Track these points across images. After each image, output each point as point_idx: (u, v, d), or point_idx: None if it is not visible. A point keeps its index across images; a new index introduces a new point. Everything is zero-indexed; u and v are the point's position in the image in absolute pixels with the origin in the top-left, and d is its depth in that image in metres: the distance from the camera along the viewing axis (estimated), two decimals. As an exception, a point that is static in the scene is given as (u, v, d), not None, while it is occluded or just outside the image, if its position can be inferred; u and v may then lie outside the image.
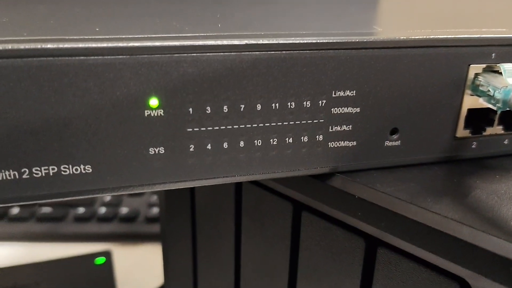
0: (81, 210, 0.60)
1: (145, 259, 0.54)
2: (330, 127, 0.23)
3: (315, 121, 0.22)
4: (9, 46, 0.18)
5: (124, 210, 0.60)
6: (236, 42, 0.20)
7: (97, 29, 0.22)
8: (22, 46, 0.18)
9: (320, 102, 0.22)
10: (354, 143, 0.23)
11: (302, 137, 0.23)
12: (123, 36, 0.20)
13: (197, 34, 0.21)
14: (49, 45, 0.18)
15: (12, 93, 0.18)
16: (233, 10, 0.30)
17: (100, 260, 0.52)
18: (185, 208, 0.36)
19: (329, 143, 0.23)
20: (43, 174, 0.20)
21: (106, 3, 0.31)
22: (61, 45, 0.18)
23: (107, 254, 0.53)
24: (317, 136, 0.23)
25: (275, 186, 0.28)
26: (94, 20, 0.25)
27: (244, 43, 0.20)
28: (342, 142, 0.23)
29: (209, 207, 0.34)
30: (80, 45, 0.19)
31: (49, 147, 0.19)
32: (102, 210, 0.60)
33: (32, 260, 0.53)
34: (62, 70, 0.19)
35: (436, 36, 0.23)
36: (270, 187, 0.28)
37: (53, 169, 0.20)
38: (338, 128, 0.23)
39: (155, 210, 0.60)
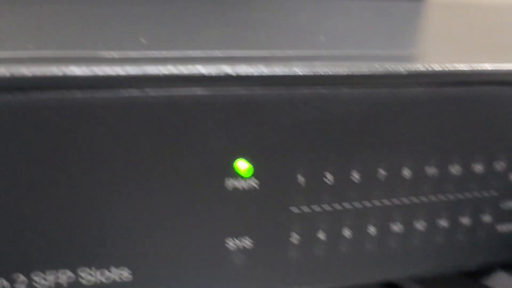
0: None
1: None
2: (504, 201, 0.14)
3: (484, 193, 0.14)
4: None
5: None
6: (390, 70, 0.12)
7: (144, 41, 0.14)
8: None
9: (497, 164, 0.14)
10: (533, 225, 0.15)
11: (462, 218, 0.14)
12: (191, 54, 0.12)
13: (319, 54, 0.12)
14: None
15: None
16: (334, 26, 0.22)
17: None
18: None
19: (499, 226, 0.15)
20: (51, 284, 0.11)
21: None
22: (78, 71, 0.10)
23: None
24: (484, 216, 0.14)
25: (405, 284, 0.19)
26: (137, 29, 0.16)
27: (404, 71, 0.12)
28: (517, 223, 0.15)
29: None
30: (115, 69, 0.10)
31: (61, 239, 0.11)
32: None
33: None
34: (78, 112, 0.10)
35: None
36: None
37: (65, 274, 0.11)
38: (514, 204, 0.15)
39: None
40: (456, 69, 0.12)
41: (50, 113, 0.10)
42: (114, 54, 0.11)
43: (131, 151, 0.11)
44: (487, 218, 0.15)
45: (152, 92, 0.11)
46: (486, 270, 0.16)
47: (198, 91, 0.11)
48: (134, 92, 0.10)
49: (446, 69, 0.12)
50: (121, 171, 0.11)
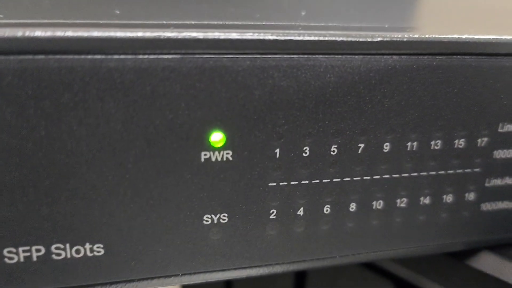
0: None
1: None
2: (488, 179, 0.14)
3: (467, 170, 0.14)
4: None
5: None
6: (363, 37, 0.12)
7: (118, 12, 0.13)
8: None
9: (480, 140, 0.14)
10: (518, 204, 0.15)
11: (445, 196, 0.14)
12: (165, 22, 0.11)
13: (293, 23, 0.12)
14: (38, 33, 0.10)
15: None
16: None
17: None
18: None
19: (483, 205, 0.14)
20: (21, 260, 0.11)
21: None
22: (58, 34, 0.10)
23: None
24: (467, 194, 0.14)
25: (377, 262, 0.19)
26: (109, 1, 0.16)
27: (378, 39, 0.12)
28: (501, 202, 0.15)
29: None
30: (93, 33, 0.10)
31: (32, 215, 0.11)
32: None
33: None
34: (59, 79, 0.10)
35: None
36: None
37: (38, 250, 0.11)
38: (499, 182, 0.14)
39: None
40: (436, 38, 0.12)
41: (17, 77, 0.10)
42: (87, 21, 0.11)
43: (103, 121, 0.11)
44: (471, 197, 0.14)
45: (119, 57, 0.10)
46: (470, 251, 0.16)
47: (168, 56, 0.11)
48: (100, 56, 0.10)
49: (422, 38, 0.12)
50: (93, 143, 0.11)
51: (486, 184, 0.14)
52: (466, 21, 0.18)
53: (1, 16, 0.11)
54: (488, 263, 0.15)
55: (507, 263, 0.15)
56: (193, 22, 0.12)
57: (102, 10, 0.14)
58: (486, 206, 0.15)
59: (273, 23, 0.13)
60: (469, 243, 0.15)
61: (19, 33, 0.10)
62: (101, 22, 0.11)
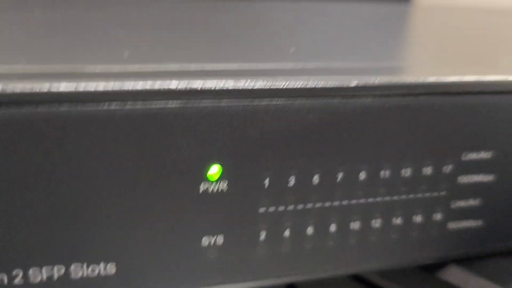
0: None
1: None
2: (453, 201, 0.16)
3: (434, 194, 0.16)
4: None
5: None
6: (343, 83, 0.13)
7: (125, 57, 0.15)
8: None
9: (446, 167, 0.15)
10: (481, 222, 0.17)
11: (415, 216, 0.16)
12: (169, 69, 0.13)
13: (280, 67, 0.14)
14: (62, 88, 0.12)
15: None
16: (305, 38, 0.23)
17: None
18: None
19: (449, 224, 0.16)
20: (44, 279, 0.13)
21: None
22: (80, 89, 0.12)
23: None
24: (435, 215, 0.16)
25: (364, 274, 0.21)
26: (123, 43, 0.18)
27: (354, 85, 0.14)
28: (466, 221, 0.17)
29: None
30: (101, 86, 0.12)
31: (54, 237, 0.12)
32: None
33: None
34: (76, 124, 0.12)
35: None
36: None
37: (59, 269, 0.13)
38: (463, 204, 0.16)
39: None
40: (403, 82, 0.14)
41: (41, 125, 0.12)
42: (97, 69, 0.13)
43: (115, 159, 0.12)
44: (438, 217, 0.16)
45: (131, 105, 0.12)
46: (440, 264, 0.17)
47: (172, 104, 0.12)
48: (115, 106, 0.12)
49: (393, 82, 0.14)
50: (107, 178, 0.12)
51: (452, 206, 0.16)
52: (443, 59, 0.20)
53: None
54: (455, 275, 0.17)
55: (471, 276, 0.17)
56: (192, 69, 0.13)
57: (112, 53, 0.15)
58: (452, 225, 0.16)
59: (263, 66, 0.15)
60: (438, 257, 0.17)
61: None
62: (114, 71, 0.13)
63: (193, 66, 0.14)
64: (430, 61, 0.19)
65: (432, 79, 0.14)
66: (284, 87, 0.13)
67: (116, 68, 0.13)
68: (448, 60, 0.19)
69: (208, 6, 0.30)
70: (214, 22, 0.25)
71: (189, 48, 0.17)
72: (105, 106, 0.12)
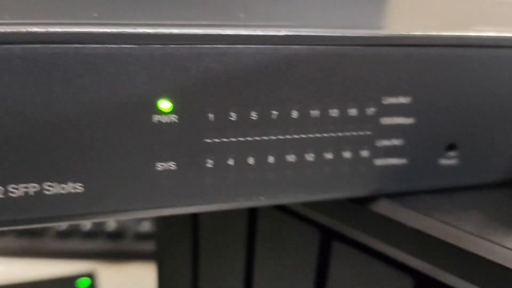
0: (63, 225, 0.55)
1: (134, 280, 0.50)
2: (377, 140, 0.19)
3: (360, 133, 0.18)
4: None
5: (111, 225, 0.55)
6: (272, 32, 0.16)
7: (95, 15, 0.18)
8: (1, 29, 0.14)
9: (368, 110, 0.18)
10: (405, 160, 0.19)
11: (344, 153, 0.18)
12: (130, 22, 0.15)
13: (223, 23, 0.16)
14: (35, 29, 0.14)
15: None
16: (256, 4, 0.26)
17: (84, 282, 0.47)
18: (186, 225, 0.31)
19: (375, 160, 0.19)
20: (21, 194, 0.15)
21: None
22: (50, 29, 0.14)
23: (91, 276, 0.48)
24: (362, 152, 0.19)
25: (299, 209, 0.24)
26: (94, 4, 0.20)
27: (283, 34, 0.16)
28: (391, 159, 0.19)
29: (215, 228, 0.29)
30: (75, 29, 0.14)
31: (29, 159, 0.15)
32: (87, 225, 0.54)
33: (8, 279, 0.48)
34: (51, 61, 0.14)
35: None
36: (292, 209, 0.24)
37: (34, 187, 0.15)
38: (387, 143, 0.19)
39: (146, 226, 0.55)
40: (325, 34, 0.17)
41: (18, 61, 0.14)
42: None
43: (82, 92, 0.15)
44: (365, 154, 0.19)
45: (93, 47, 0.15)
46: (370, 198, 0.20)
47: (128, 46, 0.15)
48: (81, 46, 0.15)
49: (316, 34, 0.16)
50: (74, 110, 0.15)
51: (377, 144, 0.19)
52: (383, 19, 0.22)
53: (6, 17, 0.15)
54: (384, 207, 0.20)
55: (398, 207, 0.19)
56: (150, 22, 0.16)
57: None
58: (378, 162, 0.19)
59: (212, 22, 0.17)
60: (367, 191, 0.19)
61: (21, 29, 0.14)
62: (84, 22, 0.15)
63: (151, 21, 0.16)
64: (364, 21, 0.21)
65: (352, 32, 0.17)
66: (222, 33, 0.16)
67: (86, 21, 0.16)
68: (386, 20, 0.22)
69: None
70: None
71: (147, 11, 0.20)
72: (73, 47, 0.14)
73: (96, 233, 0.54)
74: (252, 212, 0.26)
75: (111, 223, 0.55)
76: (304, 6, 0.24)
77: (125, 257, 0.52)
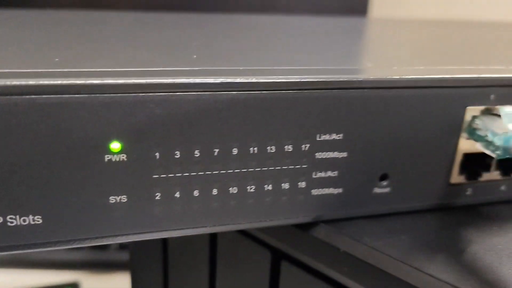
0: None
1: (116, 290, 0.52)
2: (313, 173, 0.21)
3: (297, 166, 0.20)
4: None
5: (96, 235, 0.56)
6: (210, 80, 0.18)
7: (57, 59, 0.20)
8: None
9: (304, 146, 0.20)
10: (340, 190, 0.21)
11: (283, 184, 0.20)
12: (84, 70, 0.17)
13: (167, 69, 0.18)
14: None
15: None
16: (211, 37, 0.28)
17: (68, 292, 0.49)
18: (157, 246, 0.33)
19: (312, 190, 0.21)
20: (-14, 226, 0.17)
21: (69, 33, 0.28)
22: (8, 83, 0.16)
23: (75, 285, 0.50)
24: (300, 183, 0.20)
25: (253, 232, 0.26)
26: (55, 46, 0.22)
27: (220, 81, 0.18)
28: (327, 189, 0.21)
29: (182, 248, 0.31)
30: (31, 82, 0.16)
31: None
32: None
33: (-5, 289, 0.49)
34: (9, 110, 0.16)
35: (431, 76, 0.21)
36: (247, 232, 0.26)
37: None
38: (323, 175, 0.21)
39: (129, 236, 0.57)
40: (257, 81, 0.18)
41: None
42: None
43: (40, 137, 0.17)
44: (303, 185, 0.21)
45: (46, 97, 0.17)
46: (311, 224, 0.22)
47: (80, 95, 0.17)
48: (34, 98, 0.16)
49: (249, 81, 0.18)
50: (35, 153, 0.17)
51: (313, 176, 0.21)
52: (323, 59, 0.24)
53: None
54: (323, 232, 0.22)
55: (335, 233, 0.21)
56: (100, 70, 0.18)
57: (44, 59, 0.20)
58: (315, 192, 0.21)
59: (153, 67, 0.19)
60: (306, 218, 0.21)
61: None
62: (40, 71, 0.17)
63: (102, 67, 0.18)
64: (301, 63, 0.23)
65: (285, 77, 0.19)
66: (164, 82, 0.17)
67: (45, 69, 0.17)
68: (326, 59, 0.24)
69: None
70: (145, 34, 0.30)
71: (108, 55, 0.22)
72: (27, 98, 0.16)
73: (81, 243, 0.56)
74: (213, 234, 0.28)
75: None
76: (257, 44, 0.26)
77: (108, 267, 0.54)
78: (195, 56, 0.22)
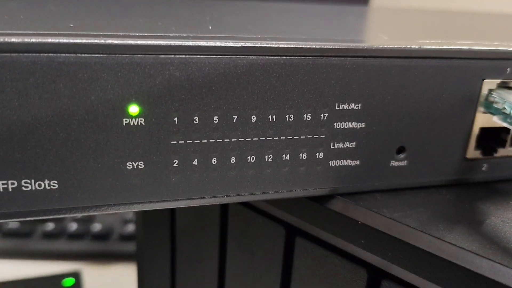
0: (50, 226, 0.56)
1: (117, 281, 0.51)
2: (332, 143, 0.20)
3: (315, 136, 0.20)
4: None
5: (96, 227, 0.56)
6: (231, 44, 0.18)
7: (71, 25, 0.19)
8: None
9: (322, 115, 0.20)
10: (358, 162, 0.21)
11: (301, 154, 0.20)
12: (101, 33, 0.17)
13: (186, 34, 0.18)
14: (13, 39, 0.16)
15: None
16: (223, 14, 0.28)
17: (69, 281, 0.49)
18: (164, 226, 0.33)
19: (330, 162, 0.21)
20: (1, 190, 0.17)
21: (84, 2, 0.28)
22: (27, 39, 0.16)
23: (76, 275, 0.49)
24: (317, 154, 0.20)
25: (266, 208, 0.25)
26: (69, 16, 0.22)
27: (240, 45, 0.18)
28: (345, 160, 0.21)
29: (191, 228, 0.31)
30: (50, 40, 0.16)
31: (8, 158, 0.16)
32: (73, 226, 0.56)
33: (-5, 279, 0.49)
34: (27, 69, 0.16)
35: (449, 47, 0.20)
36: (260, 208, 0.26)
37: (12, 184, 0.17)
38: (341, 145, 0.20)
39: (131, 228, 0.56)
40: (280, 46, 0.18)
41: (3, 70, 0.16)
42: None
43: (57, 97, 0.16)
44: (320, 155, 0.20)
45: (68, 56, 0.16)
46: (327, 196, 0.22)
47: (98, 55, 0.17)
48: (55, 55, 0.16)
49: (272, 46, 0.18)
50: (52, 114, 0.16)
51: (331, 147, 0.20)
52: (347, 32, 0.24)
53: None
54: (339, 204, 0.21)
55: (352, 205, 0.21)
56: (120, 33, 0.18)
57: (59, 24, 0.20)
58: (333, 163, 0.21)
59: (178, 34, 0.19)
60: (323, 190, 0.21)
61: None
62: (57, 32, 0.17)
63: (121, 33, 0.18)
64: (320, 33, 0.23)
65: (305, 43, 0.19)
66: (184, 44, 0.17)
67: (62, 31, 0.17)
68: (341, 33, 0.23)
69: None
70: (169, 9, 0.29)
71: (124, 23, 0.22)
72: (46, 56, 0.16)
73: (82, 234, 0.55)
74: (224, 212, 0.28)
75: (96, 224, 0.56)
76: (269, 20, 0.26)
77: (110, 258, 0.54)
78: (210, 27, 0.22)
